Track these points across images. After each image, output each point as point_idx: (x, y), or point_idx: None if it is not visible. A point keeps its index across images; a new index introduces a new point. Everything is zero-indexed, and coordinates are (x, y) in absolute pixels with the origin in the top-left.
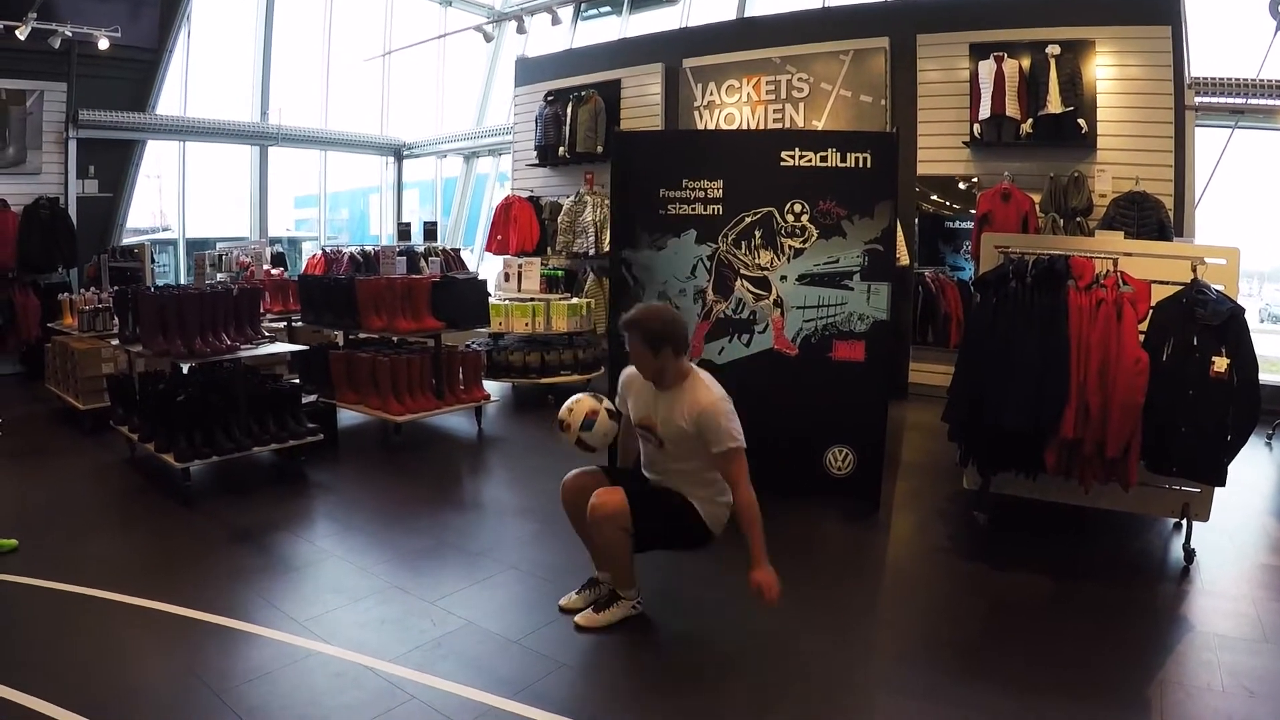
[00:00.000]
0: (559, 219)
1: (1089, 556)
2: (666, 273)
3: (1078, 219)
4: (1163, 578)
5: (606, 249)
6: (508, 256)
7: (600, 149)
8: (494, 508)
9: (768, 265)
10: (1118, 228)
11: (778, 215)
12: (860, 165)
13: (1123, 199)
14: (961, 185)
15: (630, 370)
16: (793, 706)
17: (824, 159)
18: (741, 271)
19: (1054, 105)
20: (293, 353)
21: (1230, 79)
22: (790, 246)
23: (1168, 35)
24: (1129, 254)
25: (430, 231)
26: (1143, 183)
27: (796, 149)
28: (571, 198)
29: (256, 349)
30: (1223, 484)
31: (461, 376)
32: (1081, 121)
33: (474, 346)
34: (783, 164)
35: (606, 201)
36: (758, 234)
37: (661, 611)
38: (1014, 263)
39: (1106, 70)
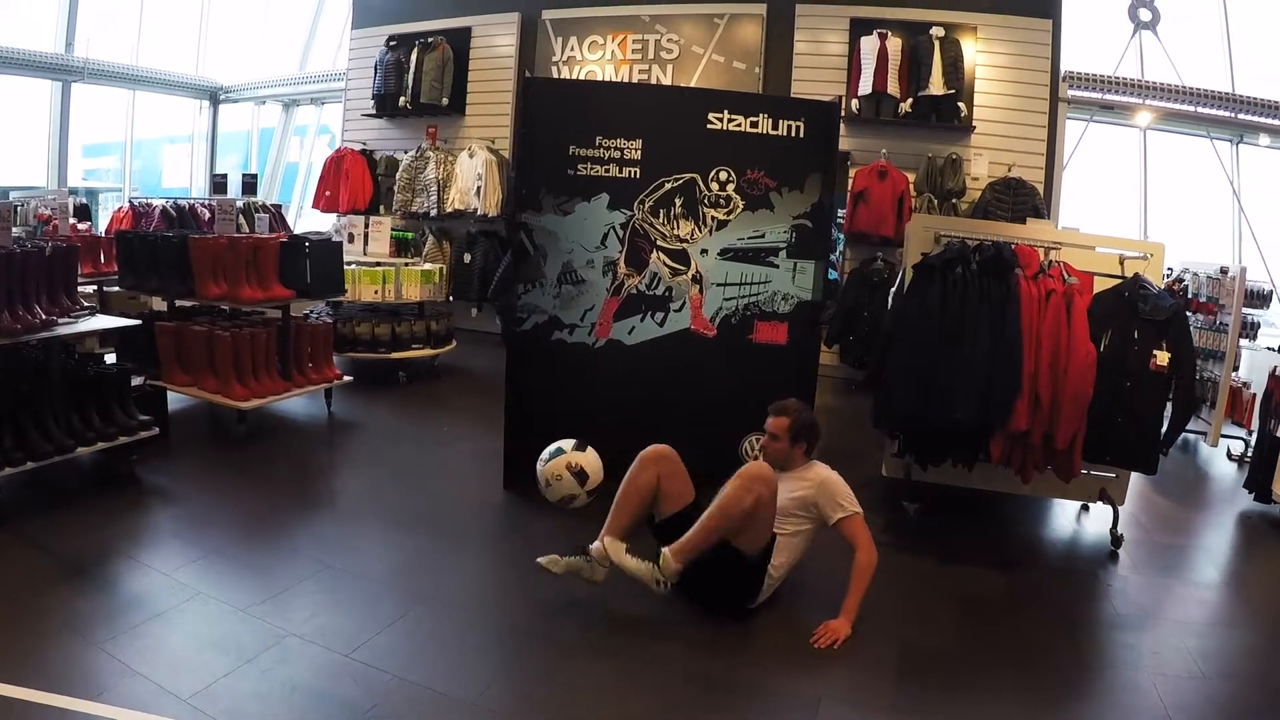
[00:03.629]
0: (397, 175)
1: (1019, 543)
2: (572, 240)
3: (952, 200)
4: (1096, 563)
5: (450, 209)
6: (350, 215)
7: (445, 101)
8: (375, 516)
9: (687, 237)
10: (993, 211)
11: (701, 182)
12: (793, 134)
13: (998, 183)
14: None
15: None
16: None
17: (755, 124)
18: (658, 243)
19: (936, 87)
20: (121, 329)
21: (1099, 75)
22: (713, 217)
23: (1048, 28)
24: (1059, 244)
25: (249, 185)
26: (1016, 169)
27: (725, 111)
28: (411, 153)
29: (77, 324)
30: (1154, 472)
31: (310, 353)
32: (961, 105)
33: (312, 316)
34: (709, 127)
35: (450, 158)
36: (678, 202)
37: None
38: (956, 248)
39: (987, 57)
